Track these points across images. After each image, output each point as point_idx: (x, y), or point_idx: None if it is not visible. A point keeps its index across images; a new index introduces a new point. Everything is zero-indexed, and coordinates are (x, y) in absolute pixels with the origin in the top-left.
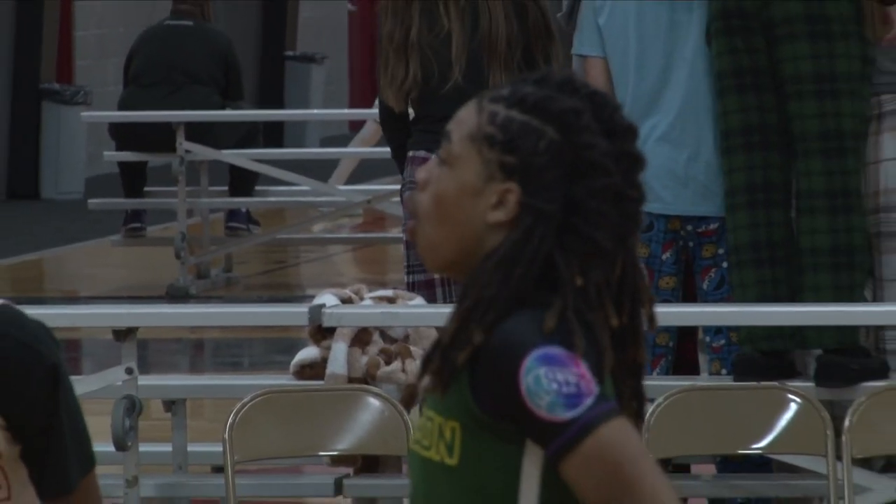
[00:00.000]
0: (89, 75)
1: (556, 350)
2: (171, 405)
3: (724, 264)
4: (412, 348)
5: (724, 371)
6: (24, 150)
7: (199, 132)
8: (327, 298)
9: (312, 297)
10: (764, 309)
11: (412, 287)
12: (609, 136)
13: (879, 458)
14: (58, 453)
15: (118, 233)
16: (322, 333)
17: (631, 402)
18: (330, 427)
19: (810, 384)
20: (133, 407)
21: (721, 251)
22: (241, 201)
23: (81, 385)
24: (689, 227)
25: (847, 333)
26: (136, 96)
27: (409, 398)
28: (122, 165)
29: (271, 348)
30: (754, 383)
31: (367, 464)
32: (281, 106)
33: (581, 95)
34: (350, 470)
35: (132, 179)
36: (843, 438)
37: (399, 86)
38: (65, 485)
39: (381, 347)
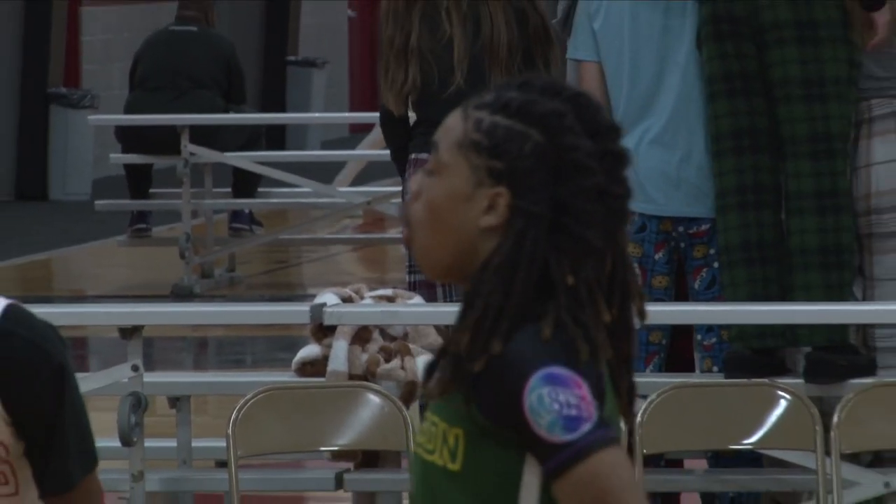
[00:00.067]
0: (96, 79)
1: (560, 370)
2: (175, 402)
3: (715, 264)
4: (411, 346)
5: (715, 368)
6: (33, 153)
7: (203, 135)
8: (328, 297)
9: (314, 296)
10: (755, 308)
11: (413, 286)
12: (592, 136)
13: (867, 453)
14: (60, 451)
15: (124, 233)
16: (323, 331)
17: (623, 395)
18: (331, 423)
19: (800, 381)
20: (139, 403)
21: (712, 251)
22: (244, 202)
23: (88, 382)
24: (681, 229)
25: (838, 331)
26: (142, 100)
27: (408, 395)
28: (128, 167)
29: (273, 346)
30: (745, 380)
31: (367, 459)
32: (283, 109)
33: (564, 98)
34: (350, 464)
35: (138, 181)
36: (832, 434)
37: (399, 90)
38: (66, 482)
39: (380, 345)
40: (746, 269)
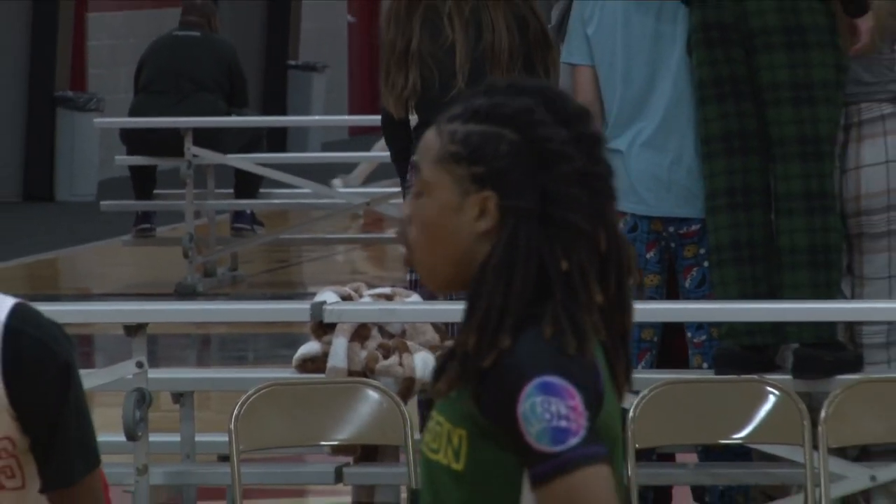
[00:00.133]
0: (102, 83)
1: (556, 380)
2: (179, 397)
3: (706, 263)
4: (409, 343)
5: (705, 365)
6: (40, 155)
7: (206, 137)
8: (328, 296)
9: (314, 294)
10: (745, 305)
11: (414, 284)
12: (565, 124)
13: (854, 448)
14: (62, 448)
15: (129, 233)
16: (323, 329)
17: (620, 375)
18: (331, 418)
19: (788, 377)
20: (143, 399)
21: (702, 251)
22: (246, 203)
23: (94, 378)
24: (672, 229)
25: (825, 328)
26: (146, 103)
27: (406, 391)
28: (133, 169)
29: (275, 343)
30: (735, 376)
31: (366, 453)
32: (284, 112)
33: (529, 93)
34: (350, 459)
35: (142, 182)
36: (820, 429)
37: (399, 94)
38: (66, 479)
39: (379, 342)
40: (736, 268)
